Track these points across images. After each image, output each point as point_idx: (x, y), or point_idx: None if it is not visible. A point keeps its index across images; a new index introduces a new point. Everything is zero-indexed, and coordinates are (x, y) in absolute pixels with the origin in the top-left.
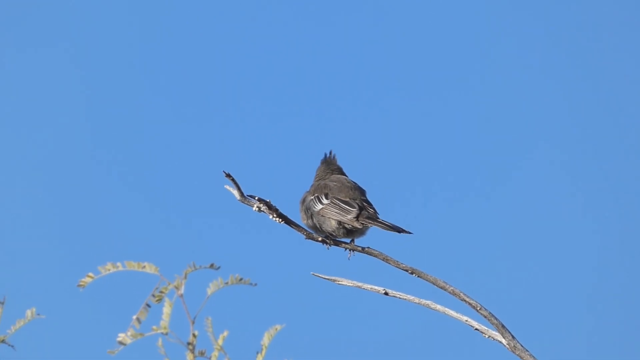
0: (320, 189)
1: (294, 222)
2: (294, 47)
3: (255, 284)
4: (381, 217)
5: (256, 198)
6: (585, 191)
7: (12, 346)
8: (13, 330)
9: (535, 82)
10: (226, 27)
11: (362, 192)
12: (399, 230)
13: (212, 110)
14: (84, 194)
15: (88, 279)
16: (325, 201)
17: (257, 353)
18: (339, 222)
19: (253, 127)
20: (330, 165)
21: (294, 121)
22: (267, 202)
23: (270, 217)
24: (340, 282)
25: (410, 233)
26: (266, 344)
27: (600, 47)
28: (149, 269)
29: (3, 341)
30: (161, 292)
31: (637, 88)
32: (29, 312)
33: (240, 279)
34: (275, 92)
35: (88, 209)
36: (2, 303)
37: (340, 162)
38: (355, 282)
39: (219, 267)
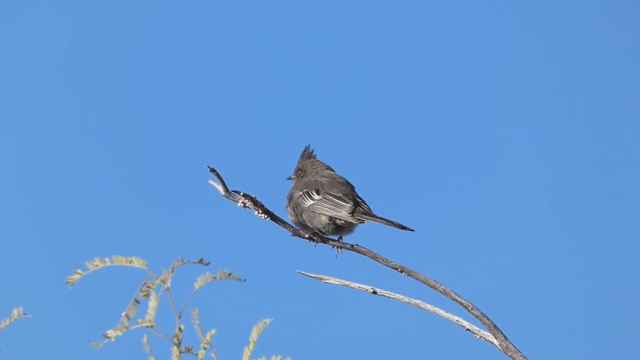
0: (310, 185)
1: (280, 218)
2: (282, 41)
3: (245, 280)
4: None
5: (241, 194)
6: (580, 190)
7: None
8: None
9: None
10: (215, 20)
11: (352, 187)
12: (402, 227)
13: (199, 105)
14: (70, 190)
15: (76, 276)
16: (316, 197)
17: (245, 347)
18: (330, 218)
19: (239, 122)
20: (313, 160)
21: (280, 117)
22: (253, 197)
23: (256, 213)
24: (327, 281)
25: (412, 230)
26: (254, 339)
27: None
28: (137, 263)
29: None
30: (148, 286)
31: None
32: (15, 311)
33: (229, 274)
34: (262, 87)
35: (74, 204)
36: None
37: (325, 159)
38: (342, 280)
39: (208, 263)
